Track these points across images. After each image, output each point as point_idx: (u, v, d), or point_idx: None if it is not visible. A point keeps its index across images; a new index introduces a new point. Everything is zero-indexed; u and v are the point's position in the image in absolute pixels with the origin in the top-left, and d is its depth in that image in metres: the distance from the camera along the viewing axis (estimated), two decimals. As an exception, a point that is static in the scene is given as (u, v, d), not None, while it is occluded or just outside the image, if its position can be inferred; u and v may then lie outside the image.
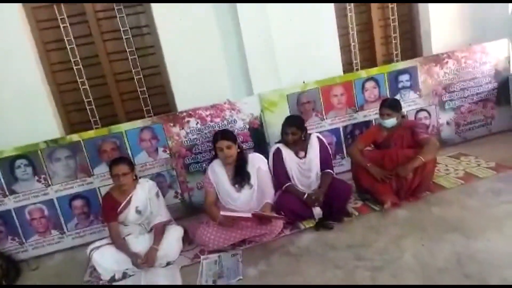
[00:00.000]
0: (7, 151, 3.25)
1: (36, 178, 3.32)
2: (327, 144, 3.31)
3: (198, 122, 3.55)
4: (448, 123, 4.18)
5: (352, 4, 4.20)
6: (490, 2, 4.32)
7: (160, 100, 3.93)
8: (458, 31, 4.37)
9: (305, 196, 3.05)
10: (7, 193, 3.29)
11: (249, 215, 2.78)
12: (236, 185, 3.02)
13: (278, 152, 3.21)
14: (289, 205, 3.03)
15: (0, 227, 3.34)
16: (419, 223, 2.80)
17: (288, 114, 3.59)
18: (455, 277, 2.16)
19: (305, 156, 3.22)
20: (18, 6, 3.41)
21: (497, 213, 2.73)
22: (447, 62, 4.04)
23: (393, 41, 4.41)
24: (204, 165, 3.55)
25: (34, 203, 3.35)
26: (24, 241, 3.39)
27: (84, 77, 3.68)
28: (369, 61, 4.45)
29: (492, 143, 4.07)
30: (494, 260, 2.23)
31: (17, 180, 3.30)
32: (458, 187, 3.23)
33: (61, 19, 3.54)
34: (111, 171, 2.91)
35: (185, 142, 3.55)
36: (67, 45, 3.59)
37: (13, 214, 3.33)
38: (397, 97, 3.89)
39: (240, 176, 3.02)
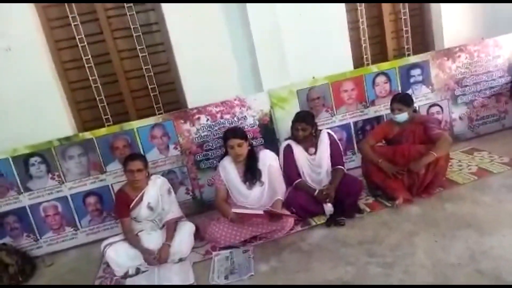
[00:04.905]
0: (20, 149, 3.30)
1: (50, 175, 3.37)
2: (337, 140, 3.30)
3: (208, 119, 3.56)
4: (460, 118, 4.12)
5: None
6: (498, 2, 4.25)
7: (170, 97, 3.95)
8: (470, 24, 4.30)
9: (316, 192, 3.05)
10: (22, 190, 3.35)
11: (261, 211, 2.79)
12: (247, 182, 3.03)
13: (288, 148, 3.20)
14: (300, 202, 3.03)
15: (15, 224, 3.39)
16: (432, 219, 2.78)
17: (298, 110, 3.57)
18: (468, 273, 2.15)
19: (315, 153, 3.21)
20: (29, 5, 3.44)
21: (511, 208, 2.70)
22: (459, 56, 3.98)
23: (405, 35, 4.35)
24: (215, 161, 3.56)
25: (48, 200, 3.41)
26: (39, 237, 3.45)
27: (96, 75, 3.71)
28: (380, 56, 4.41)
29: (506, 138, 4.00)
30: (508, 256, 2.21)
31: (32, 177, 3.35)
32: (471, 183, 3.20)
33: (72, 17, 3.56)
34: (125, 166, 2.94)
35: (196, 139, 3.57)
36: (78, 43, 3.62)
37: (28, 211, 3.39)
38: (409, 92, 3.85)
39: (251, 173, 3.03)
